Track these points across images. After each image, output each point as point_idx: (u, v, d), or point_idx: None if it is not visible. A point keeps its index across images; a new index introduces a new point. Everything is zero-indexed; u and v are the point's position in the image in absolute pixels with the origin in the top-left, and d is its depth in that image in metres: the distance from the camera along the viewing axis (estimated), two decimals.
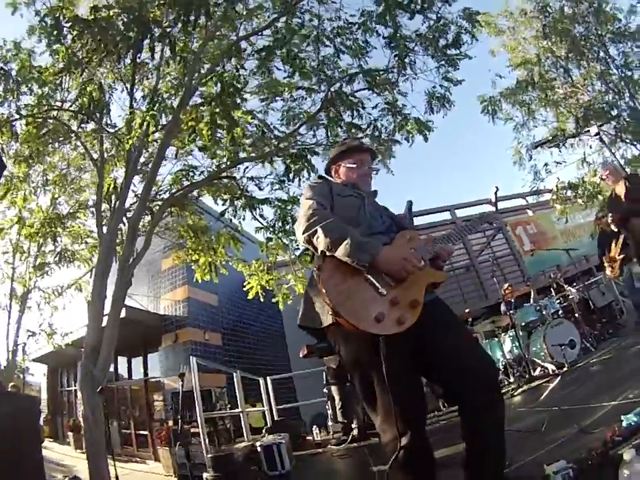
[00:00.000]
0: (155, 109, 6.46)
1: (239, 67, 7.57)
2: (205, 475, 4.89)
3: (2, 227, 9.24)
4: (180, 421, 5.52)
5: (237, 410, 7.99)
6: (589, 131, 3.93)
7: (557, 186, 11.74)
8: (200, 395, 6.06)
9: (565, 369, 6.36)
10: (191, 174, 8.25)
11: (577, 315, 8.29)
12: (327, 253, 2.04)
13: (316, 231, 2.08)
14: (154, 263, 14.08)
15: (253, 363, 13.63)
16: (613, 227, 6.14)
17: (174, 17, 6.69)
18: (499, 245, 16.03)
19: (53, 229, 8.66)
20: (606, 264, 7.89)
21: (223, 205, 8.40)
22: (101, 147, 8.02)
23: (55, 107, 7.67)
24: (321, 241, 2.05)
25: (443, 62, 7.73)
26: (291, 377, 13.29)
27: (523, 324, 7.85)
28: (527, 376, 7.04)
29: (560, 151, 11.29)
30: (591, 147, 11.17)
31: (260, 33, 7.75)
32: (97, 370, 5.59)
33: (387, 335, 1.85)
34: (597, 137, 3.91)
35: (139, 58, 7.21)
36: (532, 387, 6.40)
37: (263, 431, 7.41)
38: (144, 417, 12.47)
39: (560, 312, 8.19)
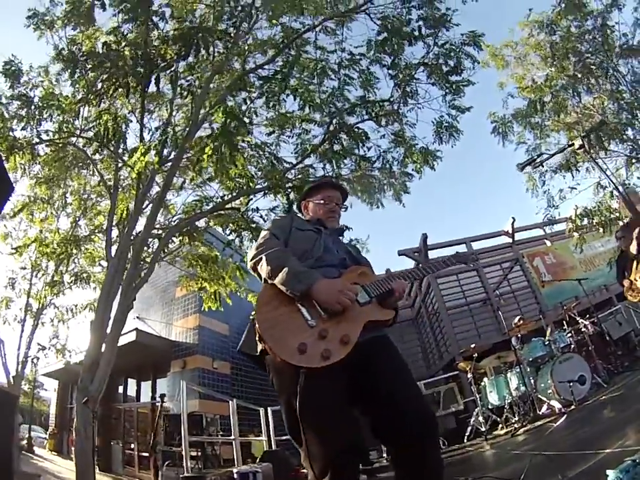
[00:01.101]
0: (165, 139, 6.55)
1: (247, 99, 7.68)
2: None
3: (21, 245, 9.70)
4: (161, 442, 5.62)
5: (229, 437, 7.86)
6: (573, 144, 3.47)
7: (575, 213, 11.15)
8: (187, 419, 6.05)
9: (572, 407, 5.83)
10: (204, 205, 8.31)
11: (589, 348, 7.66)
12: (269, 281, 2.02)
13: (261, 258, 2.08)
14: (168, 290, 14.30)
15: (261, 393, 13.38)
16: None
17: (176, 52, 6.79)
18: (516, 277, 15.46)
19: (69, 249, 8.90)
20: (625, 288, 7.33)
21: (230, 234, 8.46)
22: (116, 174, 8.23)
23: (74, 134, 7.90)
24: (263, 269, 2.05)
25: (447, 89, 7.56)
26: None
27: (531, 359, 7.31)
28: (532, 414, 6.54)
29: (572, 176, 10.83)
30: (606, 171, 10.66)
31: (264, 67, 7.77)
32: (93, 385, 5.72)
33: (310, 368, 1.73)
34: (582, 149, 3.45)
35: (147, 91, 7.29)
36: (535, 427, 5.91)
37: (258, 459, 7.17)
38: (148, 439, 12.41)
39: (572, 346, 7.63)
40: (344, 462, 1.70)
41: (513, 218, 14.33)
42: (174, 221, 8.67)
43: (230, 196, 8.22)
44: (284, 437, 9.40)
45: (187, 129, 7.33)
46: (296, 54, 7.65)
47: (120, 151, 7.89)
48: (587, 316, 8.70)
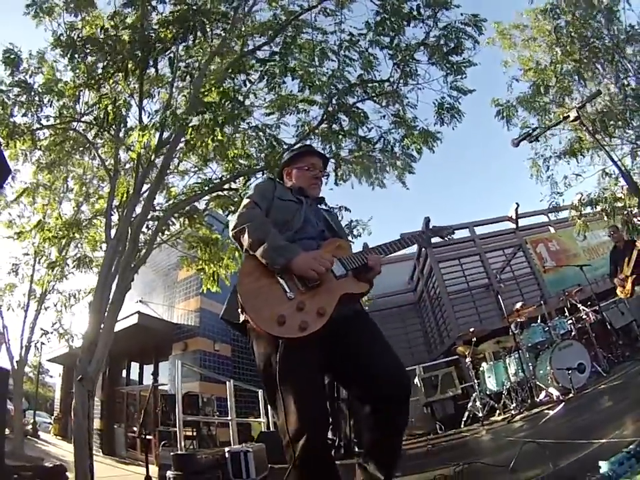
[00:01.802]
0: (164, 120, 6.35)
1: (247, 82, 7.52)
2: (168, 472, 4.77)
3: (23, 230, 9.66)
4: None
5: (225, 418, 7.89)
6: (568, 116, 3.36)
7: (579, 200, 10.98)
8: (182, 399, 6.10)
9: (571, 395, 5.70)
10: (205, 187, 8.19)
11: (590, 336, 7.50)
12: (250, 252, 2.08)
13: (243, 229, 2.12)
14: (171, 273, 14.26)
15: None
16: None
17: (173, 34, 6.66)
18: (519, 263, 15.34)
19: (71, 233, 8.83)
20: (617, 283, 7.27)
21: (229, 216, 8.30)
22: (116, 157, 8.17)
23: (74, 119, 7.85)
24: (245, 240, 2.10)
25: (447, 70, 7.39)
26: None
27: (530, 345, 7.14)
28: (530, 401, 6.42)
29: (577, 162, 10.64)
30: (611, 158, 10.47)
31: (262, 48, 7.67)
32: (91, 366, 5.70)
33: (288, 339, 1.85)
34: (577, 121, 3.34)
35: (145, 74, 7.20)
36: (532, 414, 5.79)
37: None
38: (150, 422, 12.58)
39: (572, 333, 7.44)
40: (318, 428, 1.88)
41: (516, 204, 14.15)
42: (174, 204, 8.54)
43: (229, 177, 8.15)
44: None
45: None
46: (293, 34, 7.50)
47: (121, 134, 7.78)
48: (589, 304, 8.59)
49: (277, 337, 1.85)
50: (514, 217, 15.85)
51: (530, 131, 4.18)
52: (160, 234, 8.15)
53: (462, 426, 7.28)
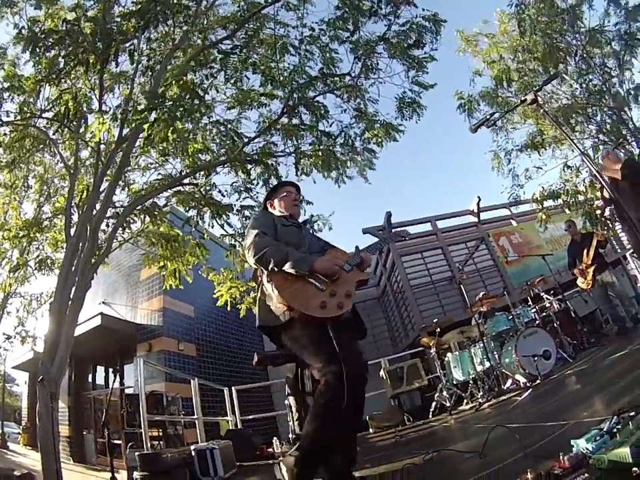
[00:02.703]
0: (125, 116, 6.34)
1: (208, 76, 7.40)
2: (135, 474, 4.61)
3: None
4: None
5: (192, 417, 7.74)
6: (525, 99, 3.34)
7: (541, 193, 11.14)
8: (147, 398, 6.13)
9: (538, 381, 5.68)
10: (165, 183, 7.99)
11: (555, 324, 7.55)
12: (275, 269, 2.57)
13: (263, 254, 2.60)
14: (133, 273, 13.94)
15: (228, 375, 13.24)
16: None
17: (134, 26, 6.54)
18: (482, 255, 15.49)
19: (31, 233, 8.59)
20: (577, 274, 7.37)
21: (188, 211, 8.30)
22: (76, 154, 7.89)
23: (35, 115, 7.56)
24: (269, 262, 2.57)
25: (409, 65, 7.36)
26: (269, 388, 13.15)
27: (494, 334, 7.11)
28: (497, 389, 6.39)
29: (539, 154, 10.81)
30: (573, 151, 10.67)
31: (224, 42, 7.53)
32: (54, 367, 5.53)
33: (332, 318, 2.43)
34: (535, 104, 3.32)
35: (106, 67, 6.97)
36: (500, 401, 5.76)
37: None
38: (119, 426, 12.25)
39: (537, 321, 7.49)
40: (358, 359, 2.47)
41: (478, 197, 14.31)
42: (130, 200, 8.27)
43: (182, 171, 8.03)
44: (250, 417, 9.27)
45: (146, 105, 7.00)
46: (255, 26, 7.41)
47: (81, 130, 7.51)
48: (552, 293, 8.70)
49: (322, 318, 2.41)
50: (476, 211, 16.02)
51: (488, 116, 4.14)
52: (121, 232, 7.95)
53: (430, 416, 7.20)
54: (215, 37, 7.64)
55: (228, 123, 7.87)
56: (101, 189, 7.10)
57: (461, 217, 16.54)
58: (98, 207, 7.10)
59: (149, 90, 7.08)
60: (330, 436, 2.38)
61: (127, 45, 6.73)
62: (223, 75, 7.54)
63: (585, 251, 7.13)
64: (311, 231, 3.39)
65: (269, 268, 2.60)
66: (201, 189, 7.91)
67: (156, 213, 7.96)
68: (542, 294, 8.44)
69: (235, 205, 8.06)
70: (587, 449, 1.83)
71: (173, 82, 6.56)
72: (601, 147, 10.40)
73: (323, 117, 7.63)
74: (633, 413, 1.98)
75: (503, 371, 6.59)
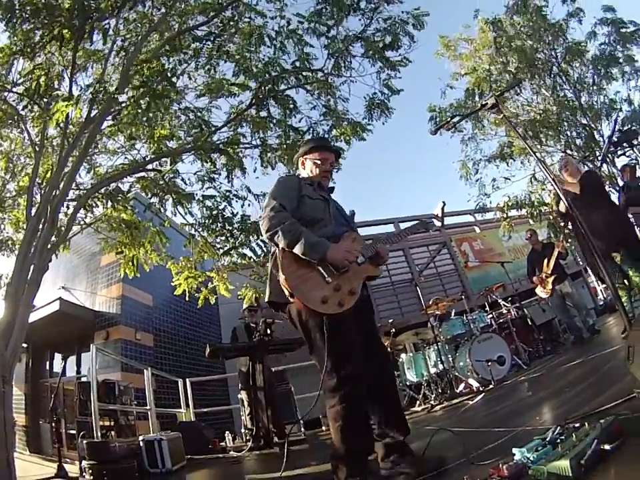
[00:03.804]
0: (95, 96, 6.17)
1: (181, 61, 7.29)
2: (83, 463, 4.51)
3: None
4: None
5: (144, 408, 7.59)
6: (487, 103, 3.34)
7: (505, 203, 11.34)
8: (98, 387, 5.93)
9: (491, 386, 5.72)
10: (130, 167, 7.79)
11: (511, 331, 7.63)
12: (286, 249, 2.48)
13: (276, 231, 2.50)
14: (94, 258, 13.49)
15: (185, 366, 12.90)
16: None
17: (112, 4, 6.36)
18: (443, 259, 15.67)
19: None
20: (537, 283, 7.48)
21: (151, 198, 8.10)
22: (43, 132, 7.54)
23: (6, 88, 7.18)
24: (280, 240, 2.49)
25: (381, 65, 7.35)
26: (225, 381, 12.89)
27: (450, 337, 7.14)
28: (449, 392, 6.34)
29: (507, 165, 11.00)
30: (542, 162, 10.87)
31: (200, 27, 7.39)
32: (7, 350, 5.32)
33: (330, 314, 2.38)
34: (495, 108, 3.31)
35: (80, 43, 6.74)
36: (452, 404, 5.72)
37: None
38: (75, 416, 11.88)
39: (492, 327, 7.60)
40: (360, 373, 2.45)
41: (443, 202, 14.34)
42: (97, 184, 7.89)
43: (146, 157, 7.86)
44: (205, 409, 9.19)
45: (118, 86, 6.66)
46: (233, 14, 7.29)
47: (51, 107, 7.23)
48: (510, 300, 8.84)
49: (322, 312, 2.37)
50: (440, 215, 16.15)
51: (448, 119, 4.14)
52: (83, 215, 7.74)
53: None
54: (193, 23, 7.47)
55: (198, 111, 7.74)
56: (65, 170, 6.83)
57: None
58: (61, 187, 6.80)
59: (122, 72, 6.85)
60: (358, 434, 2.42)
61: (104, 22, 6.52)
62: (195, 62, 7.44)
63: (546, 261, 7.19)
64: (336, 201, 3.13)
65: (281, 246, 2.53)
66: (165, 176, 7.72)
67: (119, 198, 7.73)
68: (500, 301, 8.54)
69: (197, 195, 7.97)
70: (528, 459, 1.78)
71: (145, 65, 6.39)
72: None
73: (292, 111, 7.57)
74: (577, 424, 1.94)
75: (456, 374, 6.61)
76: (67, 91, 6.76)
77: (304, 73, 7.48)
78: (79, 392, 8.08)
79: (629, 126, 7.26)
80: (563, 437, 1.86)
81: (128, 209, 8.12)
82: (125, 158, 8.23)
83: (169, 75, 6.54)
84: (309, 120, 7.90)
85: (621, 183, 7.65)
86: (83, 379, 10.22)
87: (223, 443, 7.33)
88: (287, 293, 2.45)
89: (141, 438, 4.93)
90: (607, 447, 1.65)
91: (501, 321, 8.24)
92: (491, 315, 8.03)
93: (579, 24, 10.82)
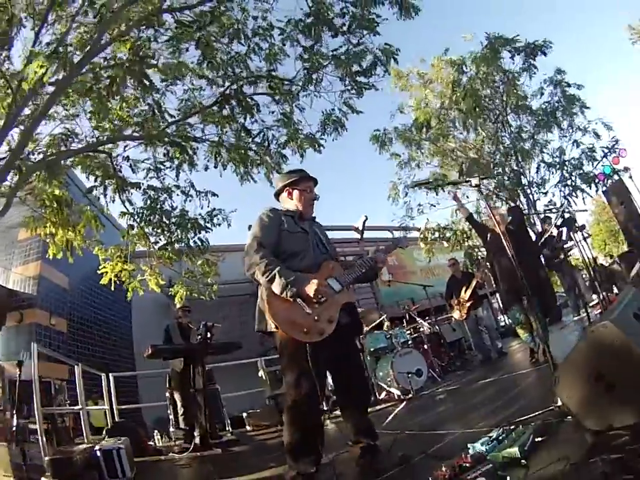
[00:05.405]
0: (58, 54, 5.76)
1: (153, 38, 7.22)
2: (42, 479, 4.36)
3: None
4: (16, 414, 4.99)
5: (76, 407, 7.11)
6: (470, 181, 4.09)
7: (425, 226, 12.46)
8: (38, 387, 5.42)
9: (410, 395, 6.59)
10: (70, 140, 7.68)
11: (426, 346, 8.72)
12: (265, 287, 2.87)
13: (254, 272, 2.88)
14: (11, 230, 12.62)
15: (97, 356, 12.37)
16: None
17: None
18: None
19: None
20: (454, 306, 8.53)
21: (95, 181, 7.95)
22: None
23: None
24: (259, 279, 2.87)
25: (349, 87, 7.81)
26: (135, 376, 12.62)
27: (372, 350, 7.98)
28: (372, 399, 7.19)
29: (436, 194, 12.11)
30: (467, 197, 12.09)
31: (182, 10, 7.32)
32: None
33: (312, 342, 2.76)
34: (477, 188, 4.08)
35: None
36: (376, 410, 6.38)
37: (104, 432, 6.69)
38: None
39: (410, 342, 8.55)
40: (320, 387, 2.84)
41: (365, 216, 15.21)
42: (36, 153, 7.76)
43: (99, 137, 7.71)
44: (132, 406, 9.30)
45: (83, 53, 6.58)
46: (216, 5, 7.28)
47: (3, 57, 6.84)
48: (427, 317, 9.95)
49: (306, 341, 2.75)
50: (360, 228, 16.98)
51: (430, 180, 4.82)
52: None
53: None
54: (178, 3, 7.44)
55: (153, 92, 7.66)
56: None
57: (344, 231, 17.39)
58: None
59: (85, 34, 6.90)
60: (304, 429, 2.88)
61: None
62: (168, 45, 7.35)
63: (464, 288, 8.28)
64: (316, 228, 3.46)
65: (260, 284, 2.93)
66: (113, 161, 7.76)
67: (56, 171, 7.32)
68: (417, 318, 9.56)
69: (143, 184, 8.06)
70: (483, 450, 2.48)
71: (123, 41, 6.48)
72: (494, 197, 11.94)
73: (252, 115, 7.88)
74: (513, 427, 2.77)
75: (378, 382, 7.47)
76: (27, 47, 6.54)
77: (275, 81, 7.80)
78: (10, 392, 7.15)
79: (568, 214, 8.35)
80: (504, 435, 2.61)
81: (61, 183, 7.89)
82: (64, 127, 7.94)
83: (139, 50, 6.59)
84: (262, 123, 8.24)
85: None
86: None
87: (151, 443, 7.43)
88: (272, 325, 2.84)
89: (97, 447, 4.77)
90: (539, 439, 2.46)
91: (416, 335, 9.41)
92: (409, 332, 8.94)
93: (529, 79, 12.26)
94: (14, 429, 5.27)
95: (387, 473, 2.80)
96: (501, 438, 2.60)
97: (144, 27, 7.05)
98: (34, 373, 5.43)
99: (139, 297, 8.68)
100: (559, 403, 2.83)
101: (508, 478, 2.00)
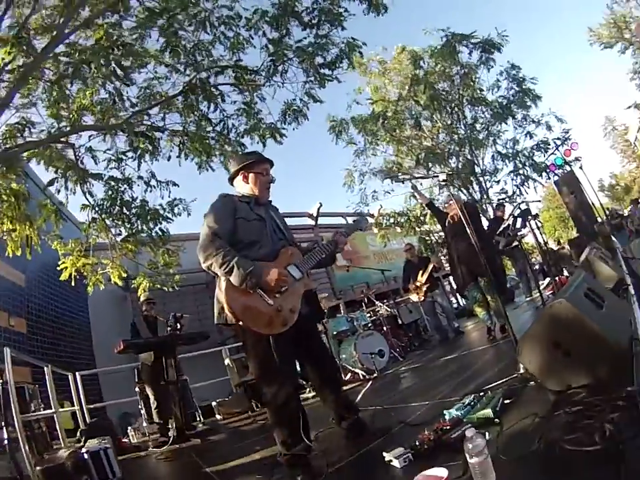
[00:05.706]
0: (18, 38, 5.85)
1: (118, 24, 7.19)
2: None
3: None
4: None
5: (49, 411, 6.69)
6: (437, 176, 4.46)
7: (379, 212, 12.88)
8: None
9: (375, 375, 6.97)
10: (27, 129, 7.48)
11: (385, 328, 9.15)
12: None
13: (211, 264, 2.77)
14: None
15: (59, 355, 11.85)
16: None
17: None
18: None
19: None
20: (412, 289, 8.98)
21: (55, 173, 7.78)
22: None
23: None
24: (217, 271, 2.77)
25: (312, 78, 7.97)
26: (96, 374, 12.33)
27: (335, 333, 8.34)
28: None
29: (392, 182, 12.55)
30: (421, 184, 12.60)
31: None
32: None
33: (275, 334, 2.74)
34: (444, 182, 4.44)
35: None
36: (343, 391, 6.65)
37: (78, 433, 6.60)
38: None
39: (370, 325, 8.96)
40: (292, 377, 3.06)
41: (320, 203, 15.60)
42: None
43: (60, 127, 7.53)
44: (100, 404, 9.21)
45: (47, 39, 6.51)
46: None
47: None
48: (384, 300, 10.41)
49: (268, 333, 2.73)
50: (314, 215, 17.24)
51: (399, 175, 5.17)
52: None
53: None
54: None
55: (114, 78, 7.50)
56: None
57: (298, 217, 17.62)
58: None
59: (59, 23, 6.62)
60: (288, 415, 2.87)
61: None
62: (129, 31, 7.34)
63: (421, 272, 8.75)
64: (273, 213, 3.37)
65: (217, 276, 2.87)
66: (76, 152, 7.66)
67: (14, 163, 7.30)
68: (375, 301, 9.98)
69: (104, 175, 7.98)
70: (459, 415, 2.81)
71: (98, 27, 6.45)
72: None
73: (216, 104, 7.98)
74: (482, 394, 3.15)
75: (343, 364, 7.80)
76: None
77: (240, 71, 7.84)
78: None
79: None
80: (476, 401, 2.98)
81: (19, 177, 7.69)
82: (20, 116, 7.70)
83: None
84: (223, 113, 8.33)
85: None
86: None
87: (125, 440, 7.47)
88: (232, 318, 2.74)
89: (84, 450, 4.70)
90: (507, 401, 2.84)
91: (375, 318, 9.86)
92: (369, 314, 9.37)
93: (487, 71, 12.97)
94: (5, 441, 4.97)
95: (373, 443, 3.00)
96: (473, 403, 2.95)
97: (109, 13, 7.01)
98: (9, 379, 5.12)
99: (94, 290, 8.59)
100: (522, 371, 3.24)
101: (487, 433, 2.22)
